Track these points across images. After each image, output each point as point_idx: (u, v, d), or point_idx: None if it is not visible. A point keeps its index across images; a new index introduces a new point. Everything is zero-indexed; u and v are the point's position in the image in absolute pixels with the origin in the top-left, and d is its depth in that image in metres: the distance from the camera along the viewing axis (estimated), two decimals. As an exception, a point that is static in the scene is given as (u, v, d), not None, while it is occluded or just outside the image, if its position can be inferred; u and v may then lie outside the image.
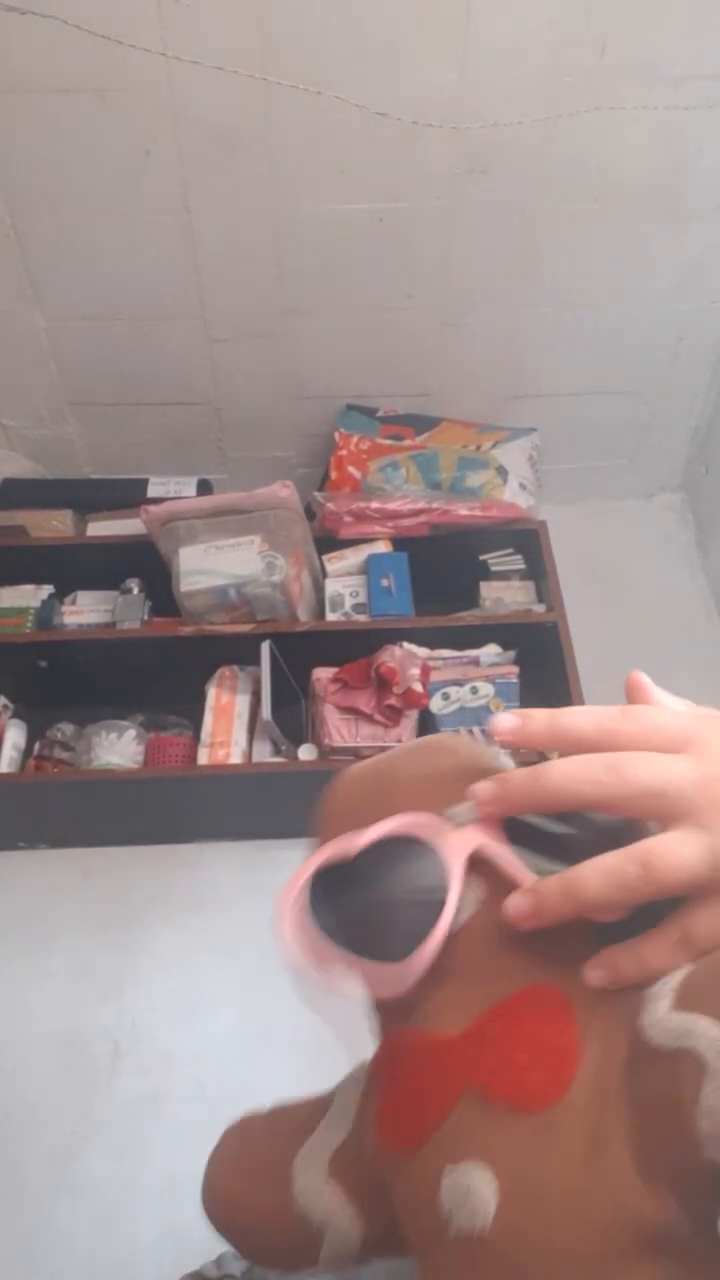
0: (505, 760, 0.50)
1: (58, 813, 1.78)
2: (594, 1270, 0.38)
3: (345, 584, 1.88)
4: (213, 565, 1.75)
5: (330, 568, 1.90)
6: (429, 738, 0.56)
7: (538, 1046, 0.42)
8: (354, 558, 1.89)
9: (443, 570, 1.90)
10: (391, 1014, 0.49)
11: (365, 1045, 0.52)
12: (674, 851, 0.38)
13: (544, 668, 1.78)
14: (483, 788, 0.43)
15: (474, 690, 1.72)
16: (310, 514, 1.90)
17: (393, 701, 1.66)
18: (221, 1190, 0.57)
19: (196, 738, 1.76)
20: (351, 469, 1.97)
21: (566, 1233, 0.39)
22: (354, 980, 0.48)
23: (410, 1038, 0.46)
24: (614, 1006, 0.43)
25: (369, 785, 0.53)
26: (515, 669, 1.77)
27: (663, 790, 0.38)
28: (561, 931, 0.43)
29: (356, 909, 0.48)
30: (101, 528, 2.02)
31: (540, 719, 0.42)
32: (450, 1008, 0.45)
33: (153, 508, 1.78)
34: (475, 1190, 0.40)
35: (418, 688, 1.66)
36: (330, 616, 1.86)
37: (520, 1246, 0.40)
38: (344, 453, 1.99)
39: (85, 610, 1.98)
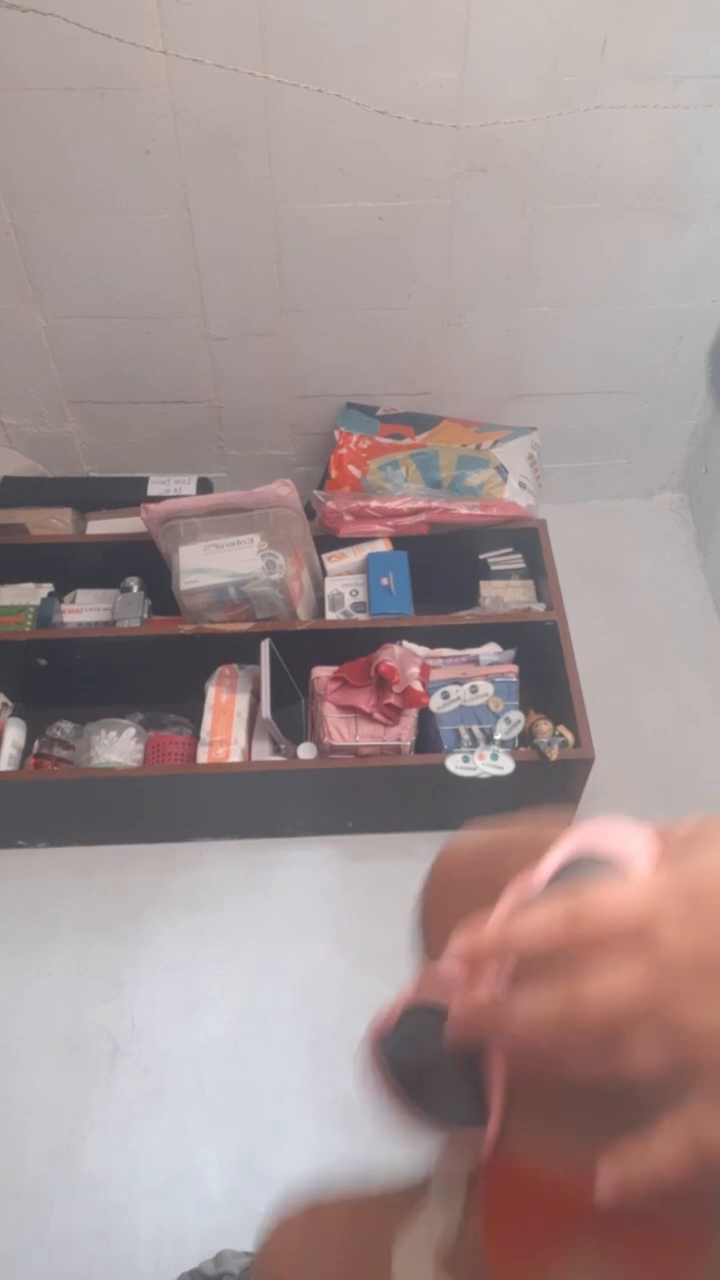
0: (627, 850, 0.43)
1: (57, 811, 1.78)
2: None
3: (345, 583, 1.88)
4: (212, 564, 1.75)
5: (330, 566, 1.90)
6: (545, 823, 0.50)
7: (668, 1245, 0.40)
8: (354, 556, 1.89)
9: (442, 569, 1.90)
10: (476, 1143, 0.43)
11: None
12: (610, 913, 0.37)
13: (543, 666, 1.78)
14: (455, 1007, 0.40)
15: (474, 689, 1.72)
16: (310, 513, 1.90)
17: (392, 700, 1.66)
18: None
19: (196, 736, 1.76)
20: (351, 468, 1.97)
21: None
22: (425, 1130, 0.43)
23: (521, 1169, 0.42)
24: None
25: (476, 875, 0.49)
26: (515, 668, 1.77)
27: (622, 1011, 0.36)
28: None
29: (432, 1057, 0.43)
30: (101, 526, 2.02)
31: (489, 939, 0.39)
32: (540, 1146, 0.41)
33: (152, 506, 1.78)
34: None
35: (417, 686, 1.66)
36: (330, 615, 1.86)
37: None
38: (344, 451, 1.98)
39: (85, 609, 1.98)
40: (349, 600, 1.86)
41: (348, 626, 1.81)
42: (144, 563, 1.87)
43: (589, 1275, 0.39)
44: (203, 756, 1.71)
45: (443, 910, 0.49)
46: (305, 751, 1.71)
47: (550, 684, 1.75)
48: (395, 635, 1.76)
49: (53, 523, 2.00)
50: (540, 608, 1.88)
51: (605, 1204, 0.36)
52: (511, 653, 1.81)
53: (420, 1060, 0.42)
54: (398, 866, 1.76)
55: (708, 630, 2.11)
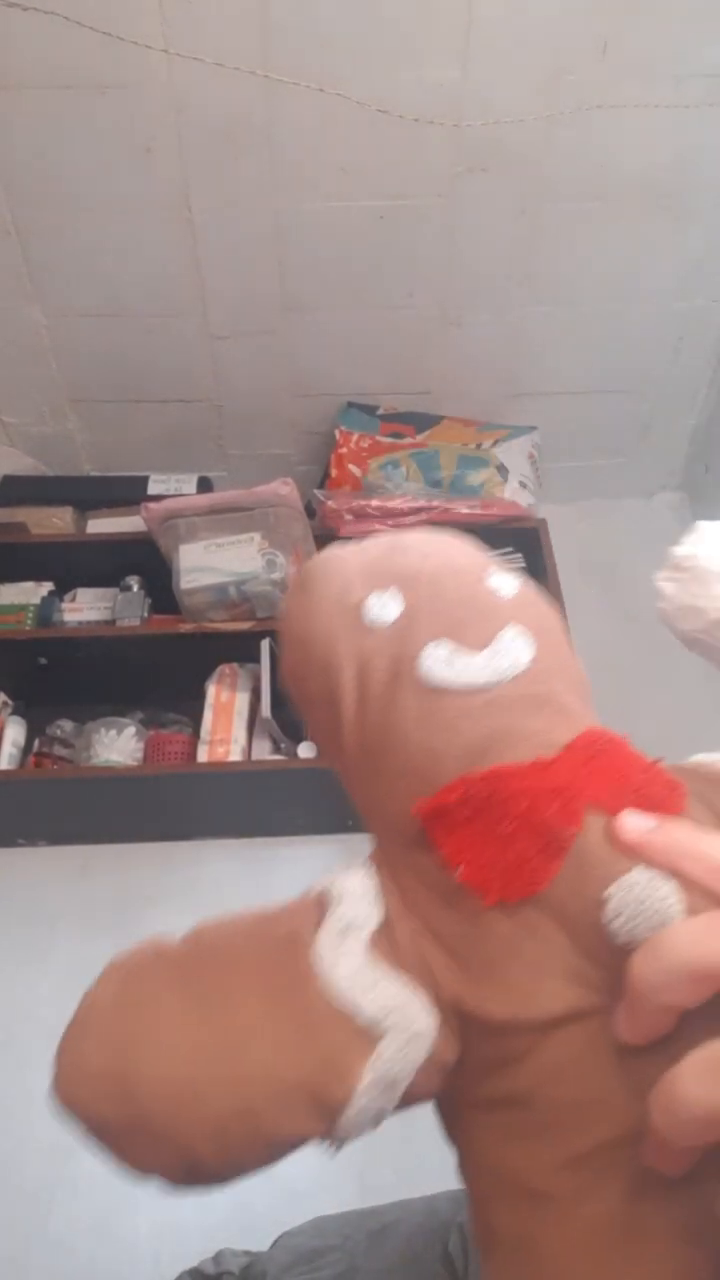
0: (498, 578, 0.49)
1: (57, 810, 1.78)
2: None
3: (345, 582, 1.88)
4: (213, 563, 1.75)
5: (330, 566, 1.89)
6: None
7: (642, 769, 0.40)
8: (354, 556, 1.89)
9: (443, 568, 1.90)
10: (450, 763, 0.42)
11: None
12: None
13: (544, 666, 1.78)
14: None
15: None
16: (310, 512, 1.90)
17: (392, 699, 1.65)
18: (142, 1041, 0.38)
19: (196, 735, 1.76)
20: (352, 467, 1.97)
21: None
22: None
23: (507, 768, 0.40)
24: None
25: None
26: (515, 667, 1.77)
27: None
28: None
29: None
30: (102, 525, 2.02)
31: (681, 839, 0.36)
32: (529, 740, 0.42)
33: (153, 505, 1.78)
34: (656, 892, 0.35)
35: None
36: (330, 614, 1.85)
37: None
38: (344, 450, 1.98)
39: (85, 607, 1.98)
40: (349, 599, 1.86)
41: (348, 626, 1.81)
42: (144, 561, 1.87)
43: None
44: (203, 755, 1.71)
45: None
46: (305, 751, 1.71)
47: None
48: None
49: (53, 521, 2.00)
50: None
51: None
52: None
53: None
54: (397, 866, 1.76)
55: (708, 630, 2.11)
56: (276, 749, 1.74)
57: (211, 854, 1.81)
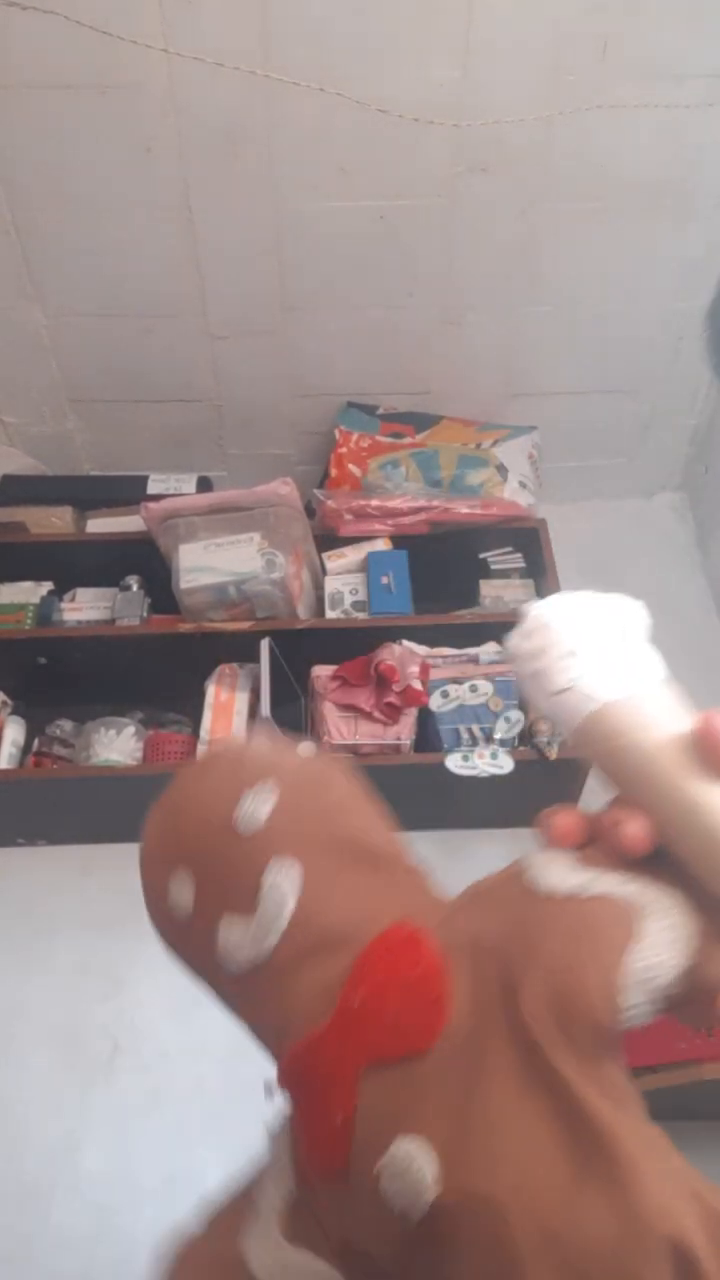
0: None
1: (57, 809, 1.78)
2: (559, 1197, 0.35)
3: (345, 582, 1.88)
4: (212, 562, 1.75)
5: (330, 565, 1.90)
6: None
7: (403, 988, 0.40)
8: (354, 555, 1.89)
9: (442, 568, 1.90)
10: (273, 1043, 0.46)
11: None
12: None
13: (543, 666, 1.78)
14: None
15: (473, 688, 1.72)
16: (310, 511, 1.90)
17: (392, 699, 1.66)
18: None
19: (196, 735, 1.76)
20: (351, 467, 1.97)
21: (519, 1160, 0.35)
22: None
23: (294, 1050, 0.43)
24: (474, 910, 0.42)
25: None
26: (515, 667, 1.77)
27: None
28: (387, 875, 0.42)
29: None
30: (101, 525, 2.02)
31: None
32: (312, 998, 0.43)
33: (153, 505, 1.78)
34: (411, 1164, 0.37)
35: (417, 685, 1.66)
36: (330, 614, 1.86)
37: (474, 1191, 0.36)
38: (344, 450, 1.98)
39: (85, 607, 1.98)
40: (349, 599, 1.86)
41: (348, 625, 1.81)
42: (144, 561, 1.87)
43: (383, 1104, 0.39)
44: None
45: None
46: (305, 750, 1.71)
47: (550, 683, 1.75)
48: (395, 634, 1.76)
49: (53, 521, 2.00)
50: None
51: None
52: (511, 652, 1.81)
53: None
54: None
55: (708, 630, 2.11)
56: (276, 749, 1.74)
57: (211, 854, 1.81)
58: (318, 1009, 0.42)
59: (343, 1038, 0.41)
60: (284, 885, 0.45)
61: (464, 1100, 0.37)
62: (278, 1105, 0.49)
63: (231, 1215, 0.50)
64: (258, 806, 0.48)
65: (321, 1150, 0.42)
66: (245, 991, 0.46)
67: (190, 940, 0.49)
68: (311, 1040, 0.42)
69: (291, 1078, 0.45)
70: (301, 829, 0.48)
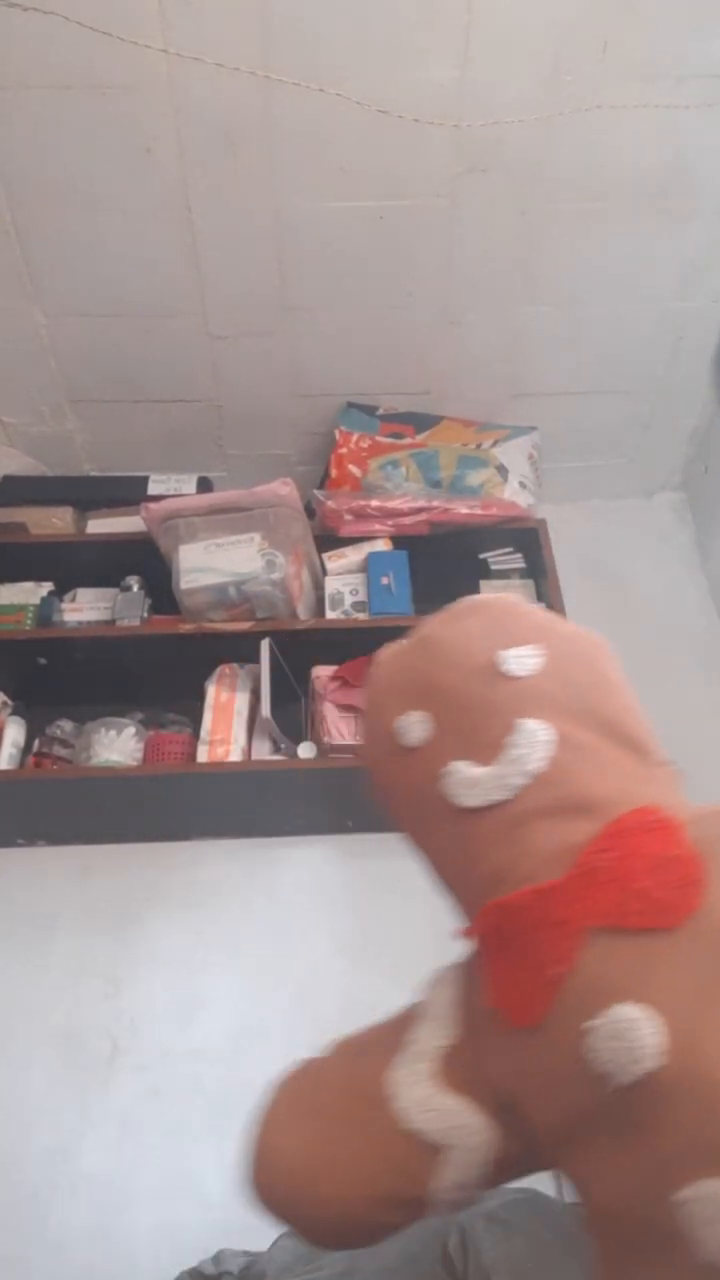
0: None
1: (57, 810, 1.78)
2: None
3: (345, 582, 1.88)
4: (213, 563, 1.75)
5: (330, 566, 1.90)
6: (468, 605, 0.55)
7: (655, 864, 0.40)
8: (354, 556, 1.89)
9: (442, 569, 1.90)
10: (478, 887, 0.45)
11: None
12: None
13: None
14: None
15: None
16: (310, 512, 1.90)
17: (392, 700, 1.65)
18: (285, 1150, 0.48)
19: (196, 735, 1.76)
20: (352, 467, 1.97)
21: None
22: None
23: (514, 898, 0.42)
24: None
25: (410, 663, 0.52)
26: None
27: None
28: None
29: None
30: (101, 525, 2.02)
31: None
32: (545, 852, 0.42)
33: (153, 505, 1.78)
34: (632, 1031, 0.36)
35: (417, 686, 1.65)
36: (330, 614, 1.86)
37: (705, 1076, 0.35)
38: (344, 451, 1.98)
39: (85, 607, 1.98)
40: (349, 599, 1.86)
41: (348, 626, 1.81)
42: (144, 562, 1.87)
43: (606, 968, 0.38)
44: (203, 755, 1.71)
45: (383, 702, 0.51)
46: (305, 751, 1.71)
47: (550, 684, 1.75)
48: (395, 635, 1.75)
49: (53, 521, 2.00)
50: (540, 606, 1.88)
51: None
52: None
53: None
54: (398, 866, 1.75)
55: (708, 630, 2.11)
56: (276, 749, 1.74)
57: (211, 854, 1.81)
58: (549, 865, 0.42)
59: (576, 896, 0.40)
60: (541, 734, 0.45)
61: (715, 986, 0.36)
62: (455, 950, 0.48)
63: (374, 1048, 0.49)
64: (526, 660, 0.48)
65: (520, 1000, 0.41)
66: (463, 831, 0.45)
67: (409, 767, 0.48)
68: (537, 891, 0.41)
69: (496, 925, 0.44)
70: (566, 695, 0.47)
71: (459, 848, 0.45)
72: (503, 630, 0.51)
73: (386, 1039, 0.48)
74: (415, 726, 0.48)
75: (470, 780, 0.44)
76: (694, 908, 0.38)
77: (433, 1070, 0.45)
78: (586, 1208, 0.42)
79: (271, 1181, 0.48)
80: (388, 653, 0.56)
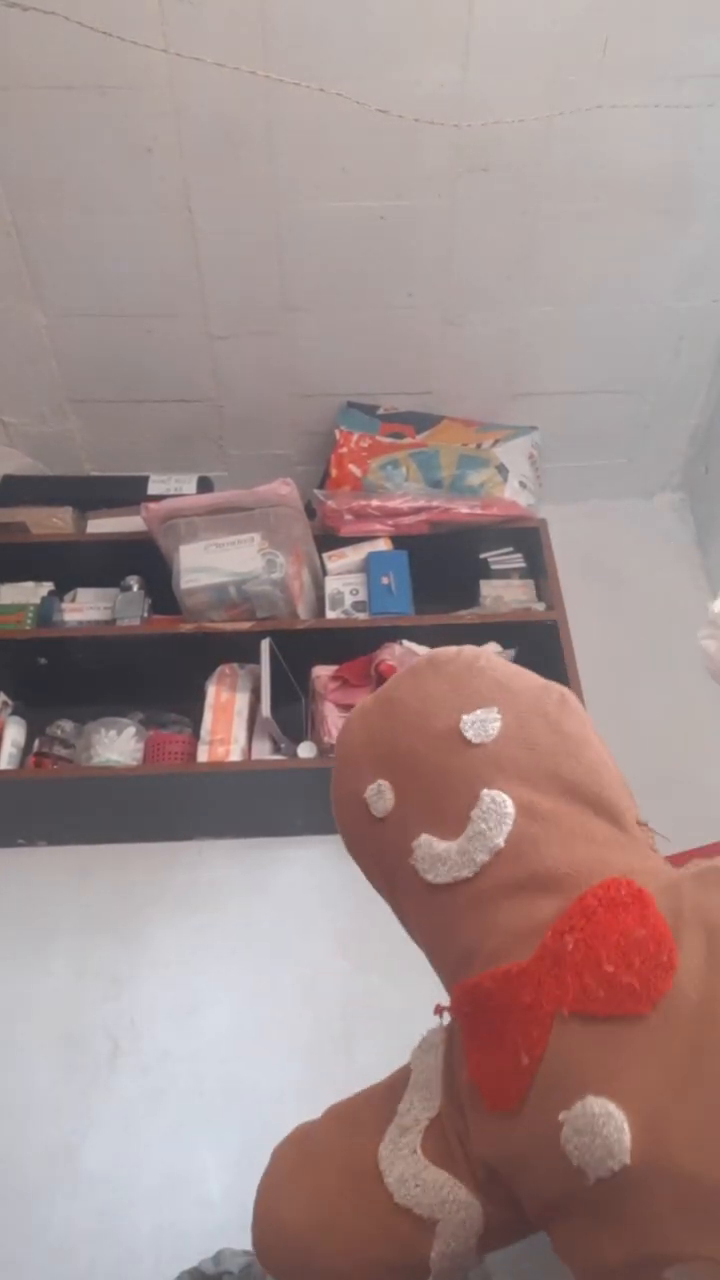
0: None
1: (57, 810, 1.78)
2: None
3: (345, 582, 1.88)
4: (213, 563, 1.75)
5: (330, 565, 1.90)
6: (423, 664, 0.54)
7: (623, 946, 0.38)
8: (354, 556, 1.89)
9: (443, 568, 1.90)
10: (451, 961, 0.45)
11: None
12: None
13: (544, 666, 1.76)
14: None
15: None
16: (311, 512, 1.90)
17: (392, 700, 1.65)
18: (285, 1219, 0.49)
19: (196, 735, 1.76)
20: (352, 467, 1.97)
21: None
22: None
23: (481, 981, 0.42)
24: (707, 887, 0.39)
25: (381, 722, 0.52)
26: (515, 667, 1.77)
27: None
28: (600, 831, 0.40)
29: None
30: (102, 525, 2.02)
31: None
32: (513, 930, 0.42)
33: (153, 505, 1.78)
34: (602, 1128, 0.35)
35: (417, 686, 1.65)
36: (330, 614, 1.86)
37: (675, 1169, 0.34)
38: (344, 450, 1.98)
39: (85, 607, 1.98)
40: (349, 599, 1.86)
41: (348, 626, 1.81)
42: (144, 561, 1.87)
43: (575, 1056, 0.37)
44: (203, 755, 1.71)
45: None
46: (305, 751, 1.71)
47: (550, 683, 1.75)
48: (395, 634, 1.76)
49: (53, 521, 2.00)
50: (540, 607, 1.88)
51: None
52: (512, 652, 1.81)
53: None
54: (398, 866, 1.76)
55: (708, 630, 2.11)
56: (276, 749, 1.74)
57: (211, 854, 1.81)
58: (517, 943, 0.41)
59: (544, 979, 0.39)
60: (505, 805, 0.43)
61: (684, 1075, 0.35)
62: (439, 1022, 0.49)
63: (367, 1120, 0.49)
64: (487, 724, 0.46)
65: (496, 1084, 0.41)
66: (434, 905, 0.45)
67: (380, 841, 0.47)
68: (507, 973, 0.41)
69: (472, 1005, 0.43)
70: (529, 760, 0.46)
71: (431, 921, 0.45)
72: (463, 690, 0.50)
73: (379, 1109, 0.48)
74: (382, 796, 0.47)
75: (435, 856, 0.43)
76: (662, 992, 0.37)
77: (419, 1144, 0.45)
78: (574, 1272, 0.42)
79: (275, 1247, 0.49)
80: (354, 715, 0.56)
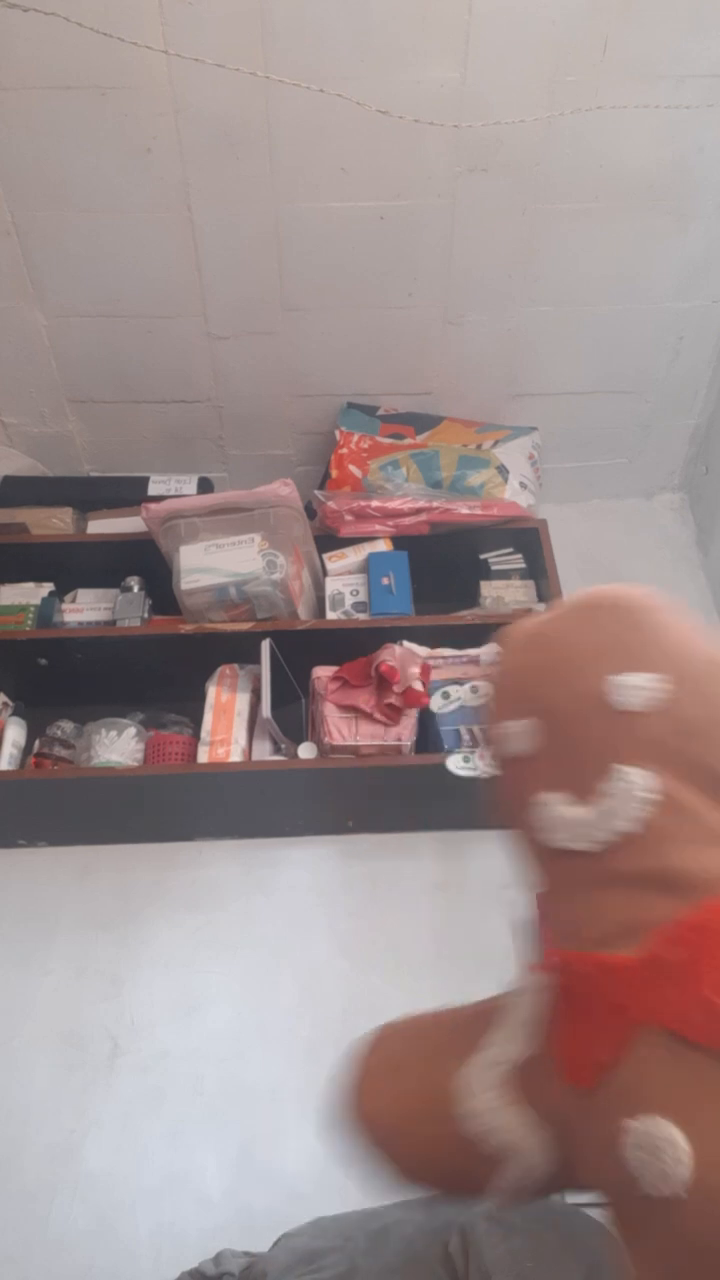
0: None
1: (58, 810, 1.78)
2: None
3: (345, 582, 1.88)
4: (213, 563, 1.75)
5: (330, 566, 1.90)
6: (597, 599, 0.49)
7: None
8: (354, 556, 1.89)
9: (443, 569, 1.90)
10: (555, 922, 0.43)
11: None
12: None
13: (544, 666, 1.78)
14: None
15: (474, 689, 1.72)
16: (311, 512, 1.90)
17: (393, 700, 1.65)
18: (374, 1118, 0.51)
19: (196, 736, 1.76)
20: (352, 467, 1.97)
21: None
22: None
23: (577, 962, 0.41)
24: None
25: (534, 657, 0.48)
26: (515, 668, 1.77)
27: None
28: None
29: None
30: (102, 525, 2.02)
31: None
32: (618, 921, 0.40)
33: (153, 505, 1.78)
34: (665, 1151, 0.35)
35: (418, 686, 1.66)
36: (330, 615, 1.86)
37: None
38: (344, 451, 1.98)
39: (85, 608, 1.98)
40: (349, 600, 1.86)
41: (348, 626, 1.81)
42: (144, 562, 1.87)
43: (655, 1072, 0.37)
44: (203, 756, 1.71)
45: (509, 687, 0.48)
46: (305, 751, 1.71)
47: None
48: (396, 635, 1.76)
49: (53, 522, 2.00)
50: (541, 608, 1.88)
51: None
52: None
53: None
54: (398, 866, 1.76)
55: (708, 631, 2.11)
56: (276, 749, 1.74)
57: (212, 855, 1.81)
58: (621, 936, 0.39)
59: (639, 987, 0.38)
60: (639, 788, 0.40)
61: None
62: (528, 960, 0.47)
63: (452, 1042, 0.48)
64: (640, 690, 0.42)
65: (573, 1062, 0.40)
66: (546, 861, 0.43)
67: (508, 775, 0.45)
68: (603, 965, 0.39)
69: (565, 979, 0.42)
70: (678, 742, 0.42)
71: (543, 873, 0.43)
72: (627, 645, 0.45)
73: (461, 1034, 0.47)
74: (518, 736, 0.44)
75: (558, 820, 0.40)
76: None
77: (503, 1079, 0.44)
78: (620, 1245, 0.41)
79: (370, 1141, 0.49)
80: (515, 638, 0.49)
